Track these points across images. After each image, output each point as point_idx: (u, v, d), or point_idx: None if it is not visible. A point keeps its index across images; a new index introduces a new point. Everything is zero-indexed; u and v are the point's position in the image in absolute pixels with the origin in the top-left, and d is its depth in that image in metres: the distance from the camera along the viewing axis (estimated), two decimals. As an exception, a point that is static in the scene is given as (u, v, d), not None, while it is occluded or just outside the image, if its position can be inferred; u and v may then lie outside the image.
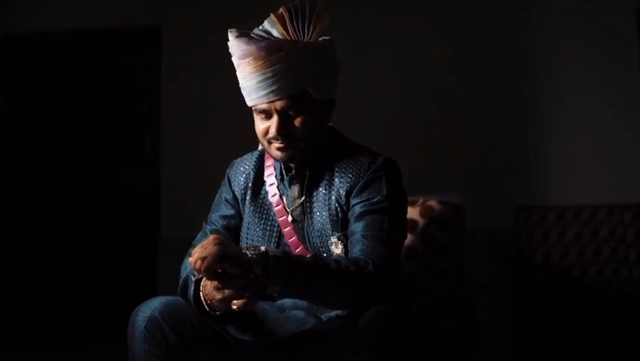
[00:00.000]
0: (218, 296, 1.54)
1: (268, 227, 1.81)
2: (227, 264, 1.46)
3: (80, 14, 4.62)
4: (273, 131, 1.72)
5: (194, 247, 1.81)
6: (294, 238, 1.77)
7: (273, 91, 1.69)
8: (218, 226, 1.86)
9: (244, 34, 1.72)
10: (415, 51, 4.19)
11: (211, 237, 1.50)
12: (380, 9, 4.22)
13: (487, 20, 4.16)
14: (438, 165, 4.06)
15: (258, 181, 1.87)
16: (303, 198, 1.79)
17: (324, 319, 1.72)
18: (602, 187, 3.96)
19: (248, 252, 1.49)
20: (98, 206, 4.82)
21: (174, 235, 4.29)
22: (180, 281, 1.75)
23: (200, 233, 1.90)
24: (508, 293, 3.61)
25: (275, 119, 1.72)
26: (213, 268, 1.46)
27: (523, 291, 3.56)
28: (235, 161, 1.94)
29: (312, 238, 1.76)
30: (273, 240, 1.80)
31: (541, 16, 4.11)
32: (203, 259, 1.45)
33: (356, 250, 1.66)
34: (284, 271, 1.50)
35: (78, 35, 4.74)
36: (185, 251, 1.91)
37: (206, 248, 1.46)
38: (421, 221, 2.32)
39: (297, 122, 1.72)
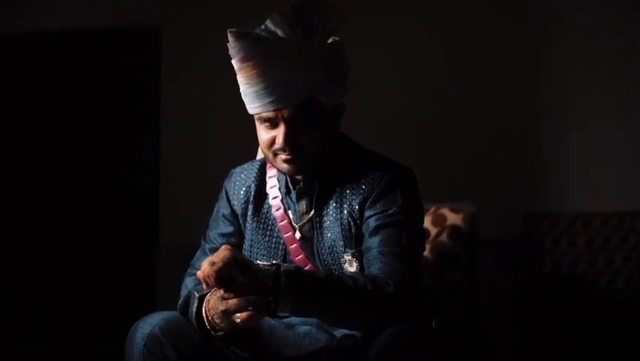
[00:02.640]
0: (222, 307, 1.44)
1: (273, 244, 1.69)
2: (236, 270, 1.37)
3: (80, 14, 4.59)
4: (280, 142, 1.58)
5: (194, 267, 1.73)
6: (302, 255, 1.65)
7: (279, 98, 1.55)
8: (217, 244, 1.72)
9: (245, 34, 1.56)
10: (415, 51, 4.13)
11: (222, 246, 1.42)
12: (380, 9, 4.16)
13: (490, 20, 4.11)
14: (444, 171, 4.00)
15: (260, 194, 1.73)
16: (312, 213, 1.66)
17: (338, 335, 1.62)
18: (614, 194, 3.90)
19: (260, 262, 1.41)
20: (97, 207, 4.79)
21: (174, 238, 4.24)
22: (181, 299, 1.64)
23: (199, 251, 1.78)
24: (516, 302, 3.56)
25: (282, 128, 1.58)
26: (222, 273, 1.36)
27: (531, 299, 3.51)
28: (234, 171, 1.80)
29: (323, 255, 1.65)
30: (278, 258, 1.67)
31: (543, 16, 4.06)
32: (212, 263, 1.37)
33: (374, 269, 1.54)
34: (296, 286, 1.40)
35: (78, 35, 4.70)
36: (185, 255, 1.84)
37: (217, 255, 1.39)
38: (432, 230, 2.26)
39: (305, 131, 1.58)
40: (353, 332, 1.60)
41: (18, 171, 4.81)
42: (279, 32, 1.56)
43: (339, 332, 1.62)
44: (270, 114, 1.58)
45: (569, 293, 3.45)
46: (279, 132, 1.58)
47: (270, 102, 1.56)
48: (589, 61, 4.01)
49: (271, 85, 1.55)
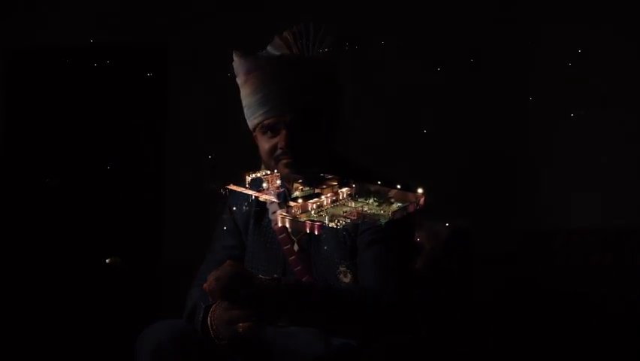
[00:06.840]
0: (226, 317, 1.52)
1: (272, 256, 1.78)
2: (240, 284, 1.45)
3: (87, 30, 4.61)
4: (282, 144, 1.67)
5: (199, 278, 1.81)
6: (300, 267, 1.74)
7: (281, 103, 1.65)
8: (221, 256, 1.81)
9: (249, 53, 1.70)
10: (412, 66, 4.17)
11: (227, 261, 1.51)
12: (384, 29, 4.21)
13: (489, 43, 4.16)
14: (439, 187, 3.98)
15: (262, 208, 1.82)
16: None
17: (335, 344, 1.67)
18: (610, 211, 3.92)
19: (262, 276, 1.49)
20: (99, 223, 4.80)
21: (178, 254, 4.25)
22: (187, 309, 1.72)
23: (204, 264, 1.87)
24: (512, 318, 3.59)
25: (284, 133, 1.67)
26: (227, 288, 1.45)
27: (527, 316, 3.53)
28: None
29: (320, 267, 1.73)
30: (278, 269, 1.76)
31: (547, 36, 4.10)
32: (217, 278, 1.45)
33: (368, 281, 1.62)
34: (296, 299, 1.49)
35: (83, 51, 4.73)
36: (190, 274, 1.89)
37: (222, 270, 1.47)
38: (427, 245, 2.29)
39: (305, 137, 1.67)
40: (349, 341, 1.65)
41: (23, 184, 4.84)
42: (278, 54, 1.70)
43: (338, 341, 1.67)
44: (272, 120, 1.67)
45: (566, 310, 3.48)
46: (281, 137, 1.67)
47: (272, 107, 1.66)
48: (584, 76, 4.02)
49: (274, 91, 1.65)
